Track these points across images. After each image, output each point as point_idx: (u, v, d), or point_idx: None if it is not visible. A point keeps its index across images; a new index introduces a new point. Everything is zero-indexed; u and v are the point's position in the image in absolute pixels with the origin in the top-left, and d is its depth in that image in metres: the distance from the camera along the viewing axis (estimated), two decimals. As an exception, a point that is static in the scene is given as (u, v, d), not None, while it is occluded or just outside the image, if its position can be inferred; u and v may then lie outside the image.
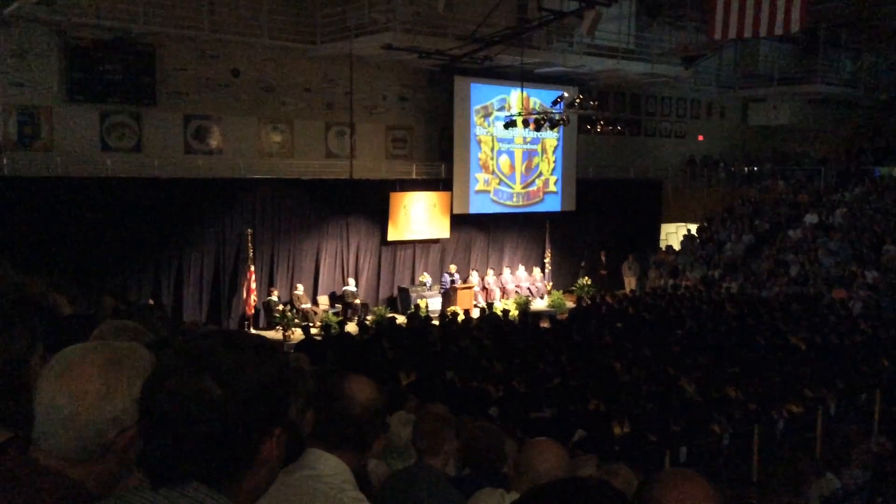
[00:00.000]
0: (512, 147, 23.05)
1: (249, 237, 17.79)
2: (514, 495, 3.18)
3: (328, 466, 2.26)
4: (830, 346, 14.62)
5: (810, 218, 24.18)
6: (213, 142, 18.74)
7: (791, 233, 23.79)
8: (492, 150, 22.59)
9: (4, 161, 15.96)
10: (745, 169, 28.73)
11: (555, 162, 24.04)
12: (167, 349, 1.49)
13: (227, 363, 1.42)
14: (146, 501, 1.39)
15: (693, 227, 26.26)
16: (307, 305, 18.84)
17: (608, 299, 20.03)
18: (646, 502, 1.45)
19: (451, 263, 21.64)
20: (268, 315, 18.45)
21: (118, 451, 1.65)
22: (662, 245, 26.46)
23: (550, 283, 23.42)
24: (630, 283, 23.99)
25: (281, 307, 18.18)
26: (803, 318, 17.15)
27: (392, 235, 20.64)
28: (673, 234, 27.31)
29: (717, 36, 15.95)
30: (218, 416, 1.38)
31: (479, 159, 22.34)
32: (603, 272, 24.18)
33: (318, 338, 15.23)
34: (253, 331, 17.75)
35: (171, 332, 3.79)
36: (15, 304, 2.06)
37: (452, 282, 20.89)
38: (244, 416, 1.41)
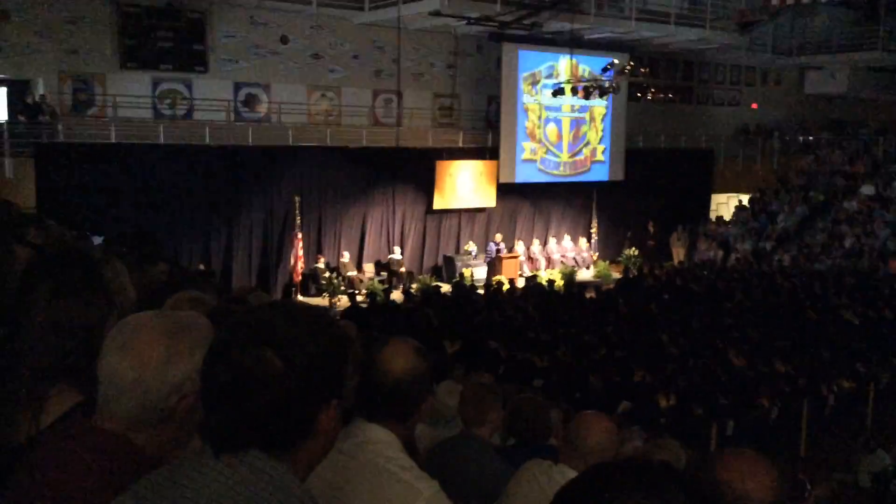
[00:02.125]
0: (559, 115, 22.80)
1: (297, 205, 17.95)
2: (563, 467, 3.20)
3: (375, 436, 2.25)
4: (885, 320, 14.30)
5: (866, 189, 23.55)
6: (262, 109, 18.89)
7: (846, 204, 23.22)
8: (539, 118, 22.37)
9: (60, 128, 16.29)
10: (800, 138, 28.03)
11: (603, 131, 23.74)
12: (228, 319, 1.52)
13: (286, 336, 1.45)
14: (207, 467, 1.43)
15: (745, 198, 25.78)
16: (353, 273, 19.01)
17: (655, 270, 19.82)
18: (710, 483, 1.43)
19: (497, 233, 21.60)
20: (314, 282, 18.66)
21: (179, 417, 1.70)
22: (713, 216, 26.03)
23: (596, 254, 23.26)
24: (678, 254, 23.71)
25: (327, 274, 18.37)
26: (857, 291, 16.79)
27: (438, 204, 20.66)
28: (724, 205, 26.85)
29: (774, 0, 15.49)
30: (278, 388, 1.42)
31: (527, 128, 22.16)
32: (651, 243, 23.92)
33: (364, 305, 15.37)
34: (300, 298, 18.01)
35: (223, 300, 3.85)
36: (90, 270, 2.12)
37: (498, 251, 20.86)
38: (303, 388, 1.44)
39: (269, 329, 1.46)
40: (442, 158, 20.52)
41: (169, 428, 1.70)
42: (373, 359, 2.30)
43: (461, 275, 19.46)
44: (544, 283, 18.77)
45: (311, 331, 1.48)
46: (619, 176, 23.91)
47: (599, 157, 23.76)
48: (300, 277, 18.20)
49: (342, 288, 18.14)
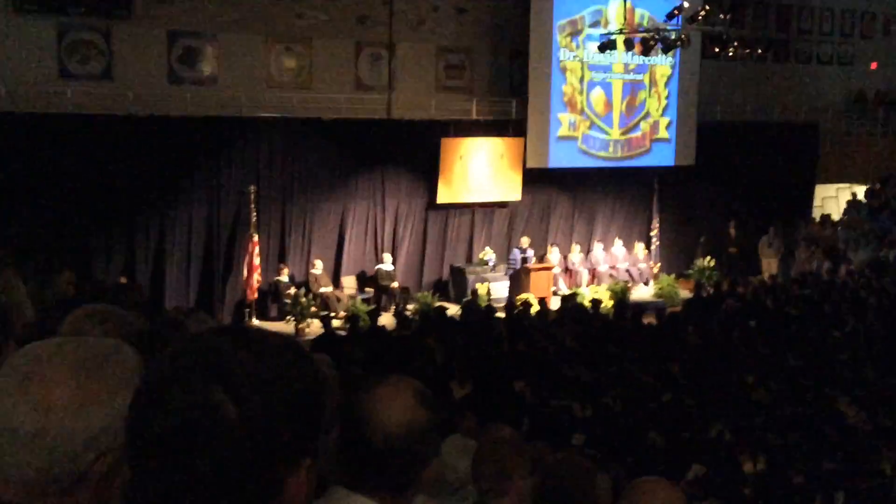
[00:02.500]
0: (609, 77, 22.84)
1: (253, 197, 18.01)
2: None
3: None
4: None
5: None
6: (206, 68, 18.95)
7: None
8: (581, 81, 22.42)
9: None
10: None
11: (668, 98, 23.77)
12: (161, 350, 1.53)
13: (241, 373, 1.44)
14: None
15: (860, 190, 25.75)
16: (328, 289, 19.05)
17: (739, 288, 19.79)
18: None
19: (523, 235, 21.63)
20: (276, 301, 18.68)
21: (95, 481, 1.70)
22: (816, 214, 26.01)
23: (658, 265, 23.28)
24: (769, 265, 23.68)
25: (293, 291, 18.39)
26: None
27: (443, 197, 20.70)
28: (831, 200, 26.84)
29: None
30: (230, 443, 1.41)
31: (564, 94, 22.21)
32: (732, 250, 23.89)
33: (343, 333, 15.35)
34: (256, 322, 18.03)
35: (153, 323, 3.87)
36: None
37: (524, 260, 20.87)
38: (264, 444, 1.44)
39: (217, 364, 1.45)
40: (449, 135, 20.56)
41: (82, 495, 1.70)
42: (358, 406, 2.29)
43: (474, 292, 19.48)
44: (587, 304, 18.74)
45: (274, 366, 1.48)
46: (690, 159, 23.92)
47: (663, 133, 23.79)
48: (256, 295, 18.23)
49: (313, 309, 18.16)
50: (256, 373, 1.45)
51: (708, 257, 23.35)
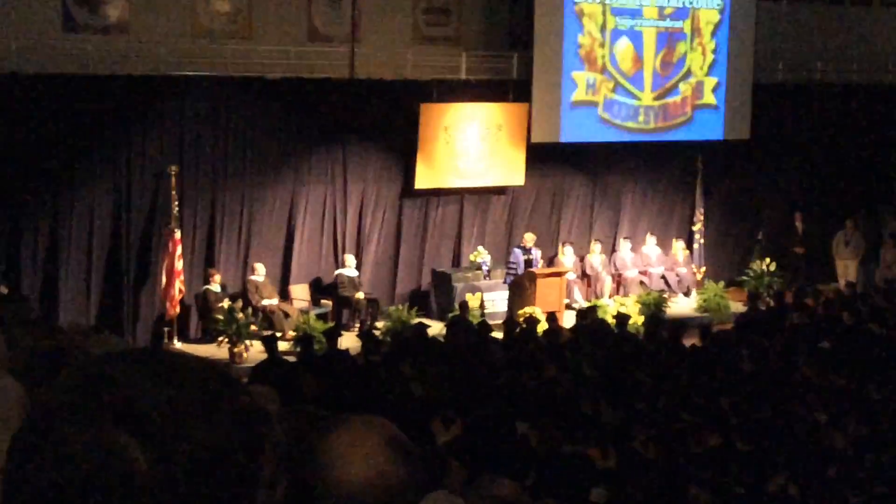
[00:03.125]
0: (639, 25, 22.88)
1: (174, 180, 17.95)
2: None
3: None
4: None
5: None
6: (113, 12, 18.84)
7: None
8: (602, 29, 22.45)
9: None
10: None
11: (716, 52, 23.81)
12: (51, 379, 1.52)
13: (158, 409, 1.43)
14: None
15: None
16: (272, 301, 19.03)
17: (807, 299, 19.82)
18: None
19: (527, 231, 21.61)
20: (204, 317, 18.63)
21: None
22: (907, 203, 26.05)
23: (703, 269, 23.32)
24: (846, 269, 23.71)
25: (227, 303, 18.33)
26: None
27: (423, 180, 20.72)
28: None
29: None
30: (138, 501, 1.41)
31: (580, 46, 22.24)
32: (798, 250, 23.92)
33: (291, 359, 15.31)
34: (178, 345, 18.01)
35: (43, 345, 3.85)
36: None
37: (528, 263, 20.85)
38: (184, 501, 1.43)
39: (123, 399, 1.44)
40: (431, 100, 20.58)
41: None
42: (311, 455, 2.28)
43: (463, 306, 19.45)
44: (610, 320, 18.75)
45: (199, 403, 1.47)
46: (743, 132, 23.94)
47: (708, 98, 23.82)
48: (178, 309, 18.17)
49: (253, 328, 18.11)
50: (175, 411, 1.44)
51: (767, 259, 23.38)
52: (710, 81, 23.81)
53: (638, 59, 22.94)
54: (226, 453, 1.46)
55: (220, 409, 1.47)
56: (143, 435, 1.42)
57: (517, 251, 21.10)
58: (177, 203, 17.97)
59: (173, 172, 18.00)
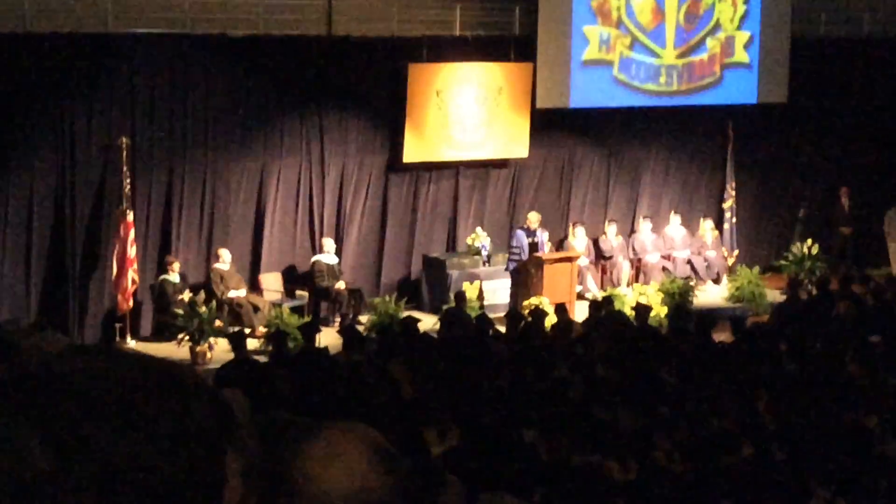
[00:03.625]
0: (660, -29, 22.88)
1: (125, 154, 17.93)
2: None
3: None
4: None
5: None
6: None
7: None
8: (618, -23, 22.46)
9: None
10: None
11: (747, 2, 23.79)
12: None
13: (107, 418, 1.44)
14: None
15: None
16: (240, 293, 19.06)
17: (855, 286, 19.83)
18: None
19: (532, 210, 21.60)
20: (161, 312, 18.63)
21: None
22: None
23: (735, 253, 23.39)
24: (901, 252, 23.79)
25: (187, 296, 18.33)
26: None
27: (412, 153, 20.75)
28: None
29: None
30: (36, 501, 1.40)
31: (592, -3, 22.24)
32: (844, 230, 23.95)
33: (263, 358, 15.31)
34: (132, 343, 18.03)
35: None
36: None
37: (534, 247, 20.84)
38: None
39: (50, 399, 1.45)
40: (420, 60, 20.61)
41: None
42: (285, 467, 2.28)
43: (460, 296, 19.46)
44: (629, 312, 18.75)
45: (158, 409, 1.47)
46: (780, 95, 23.96)
47: (740, 56, 23.83)
48: (131, 302, 18.17)
49: (218, 323, 18.12)
50: (127, 418, 1.44)
51: (809, 241, 23.40)
52: (742, 36, 23.83)
53: (659, 11, 22.96)
54: (189, 464, 1.46)
55: (182, 414, 1.48)
56: (55, 439, 1.41)
57: (520, 233, 21.06)
58: (128, 180, 17.98)
59: (124, 145, 17.99)
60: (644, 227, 23.00)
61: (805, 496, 10.61)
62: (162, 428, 1.49)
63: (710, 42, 23.50)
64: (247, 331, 17.41)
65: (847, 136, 24.55)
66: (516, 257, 20.71)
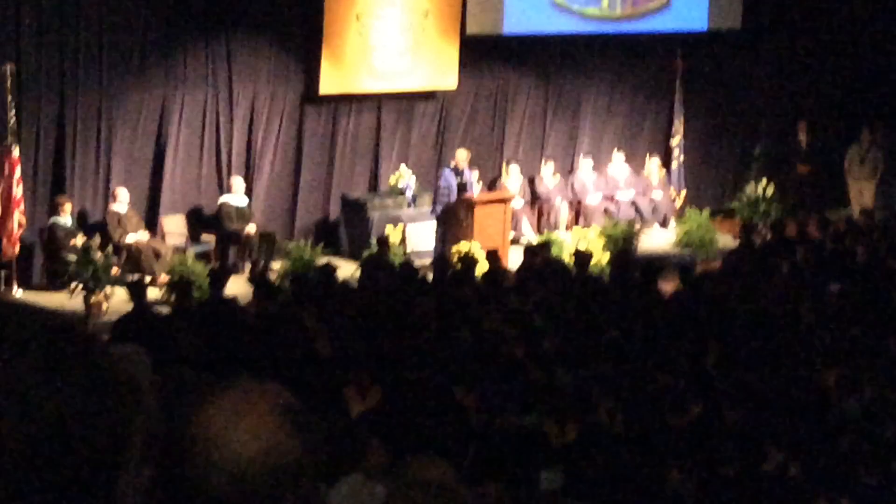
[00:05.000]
0: None
1: (9, 82, 17.74)
2: None
3: None
4: None
5: None
6: None
7: None
8: None
9: None
10: None
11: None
12: None
13: None
14: None
15: None
16: (139, 236, 18.93)
17: (812, 229, 19.97)
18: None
19: (461, 147, 21.57)
20: (51, 258, 18.46)
21: None
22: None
23: (683, 193, 23.51)
24: (861, 192, 23.94)
25: (80, 240, 18.19)
26: None
27: (329, 83, 20.69)
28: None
29: None
30: None
31: None
32: (802, 169, 24.11)
33: (164, 310, 15.26)
34: (19, 292, 17.91)
35: None
36: None
37: (463, 187, 20.82)
38: (29, 489, 1.44)
39: None
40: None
41: None
42: (188, 429, 2.26)
43: (382, 241, 19.47)
44: (567, 258, 18.81)
45: (44, 364, 1.45)
46: (734, 20, 24.03)
47: (689, -24, 23.87)
48: (18, 247, 18.00)
49: (115, 271, 18.01)
50: (10, 374, 1.42)
51: (763, 181, 23.56)
52: (691, -44, 23.88)
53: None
54: (80, 426, 1.44)
55: (68, 373, 1.45)
56: None
57: (447, 173, 20.95)
58: (14, 112, 17.78)
59: (8, 73, 17.78)
60: (584, 165, 23.00)
61: (759, 458, 10.69)
62: (87, 369, 1.47)
63: (657, -39, 23.54)
64: (147, 279, 17.33)
65: (806, 68, 24.68)
66: (444, 199, 20.68)
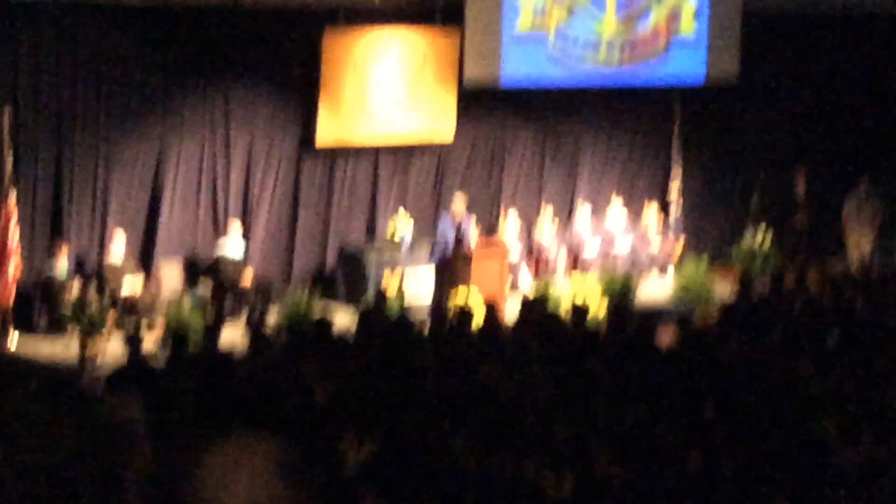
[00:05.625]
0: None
1: (7, 126, 17.79)
2: None
3: None
4: None
5: None
6: None
7: None
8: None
9: None
10: None
11: (695, -33, 23.97)
12: None
13: None
14: None
15: None
16: (135, 285, 18.94)
17: (811, 282, 20.00)
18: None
19: (459, 192, 21.57)
20: (48, 305, 18.48)
21: None
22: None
23: (682, 241, 23.53)
24: (860, 242, 23.94)
25: (76, 288, 18.20)
26: None
27: (327, 132, 20.75)
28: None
29: None
30: None
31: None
32: (801, 220, 24.11)
33: (159, 361, 15.27)
34: (16, 337, 17.88)
35: None
36: None
37: (459, 236, 20.81)
38: None
39: None
40: (336, 23, 20.58)
41: None
42: (184, 479, 2.29)
43: (381, 295, 19.46)
44: (564, 310, 18.81)
45: (38, 417, 1.48)
46: (731, 71, 24.08)
47: (687, 27, 23.94)
48: (13, 296, 18.00)
49: (111, 317, 17.99)
50: (7, 429, 1.45)
51: (761, 229, 23.55)
52: (689, 7, 23.93)
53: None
54: (74, 480, 1.47)
55: (66, 426, 1.48)
56: None
57: (446, 220, 20.74)
58: (11, 157, 17.85)
59: (8, 114, 17.86)
60: (582, 213, 22.98)
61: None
62: (79, 421, 1.50)
63: (654, 12, 23.50)
64: (144, 329, 17.32)
65: (803, 117, 24.69)
66: (443, 247, 20.60)
